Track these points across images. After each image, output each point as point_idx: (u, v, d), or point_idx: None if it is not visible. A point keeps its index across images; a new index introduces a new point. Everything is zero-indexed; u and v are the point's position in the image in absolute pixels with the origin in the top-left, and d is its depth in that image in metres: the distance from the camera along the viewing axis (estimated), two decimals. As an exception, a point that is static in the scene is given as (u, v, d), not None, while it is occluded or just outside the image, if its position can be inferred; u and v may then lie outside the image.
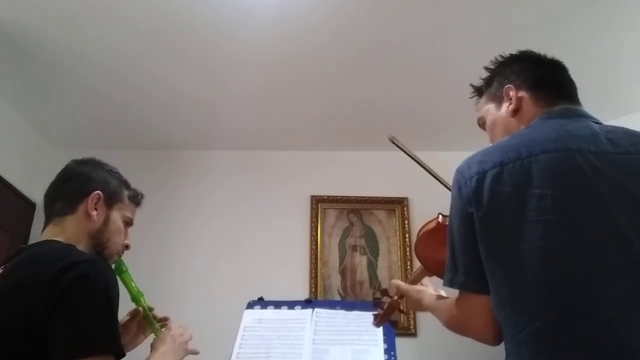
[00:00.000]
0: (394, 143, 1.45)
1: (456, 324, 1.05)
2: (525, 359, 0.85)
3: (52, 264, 1.00)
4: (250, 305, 2.06)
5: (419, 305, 1.28)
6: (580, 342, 0.81)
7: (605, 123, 1.05)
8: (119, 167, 1.38)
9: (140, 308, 1.36)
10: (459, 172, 1.02)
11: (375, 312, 1.45)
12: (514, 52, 1.23)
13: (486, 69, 1.25)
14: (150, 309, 1.37)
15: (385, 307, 1.41)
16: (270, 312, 2.01)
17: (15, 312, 0.98)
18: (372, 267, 2.86)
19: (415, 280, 1.39)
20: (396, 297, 1.38)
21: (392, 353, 1.80)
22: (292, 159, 3.10)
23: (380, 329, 1.84)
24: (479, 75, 1.28)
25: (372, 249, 2.90)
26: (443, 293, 1.27)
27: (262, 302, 2.07)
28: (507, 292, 0.89)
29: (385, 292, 1.42)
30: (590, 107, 1.13)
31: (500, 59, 1.23)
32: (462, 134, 2.65)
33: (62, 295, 0.96)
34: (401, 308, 1.41)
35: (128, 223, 1.32)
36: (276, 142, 3.05)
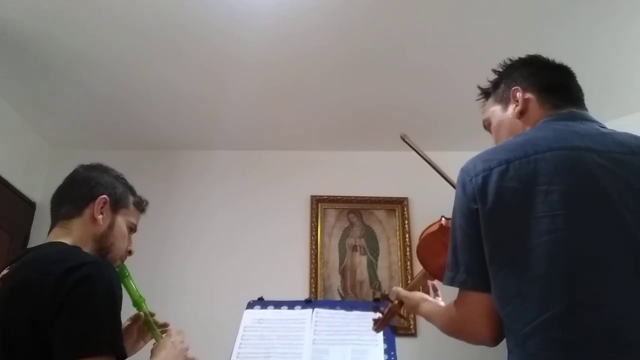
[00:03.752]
0: (405, 141, 1.43)
1: (454, 326, 1.05)
2: (531, 352, 0.85)
3: (58, 265, 1.01)
4: (250, 305, 2.06)
5: (416, 310, 1.29)
6: (587, 335, 0.82)
7: (605, 123, 1.06)
8: (118, 167, 1.39)
9: (142, 313, 1.36)
10: (464, 171, 1.03)
11: (375, 317, 1.43)
12: (513, 53, 1.24)
13: (494, 71, 1.26)
14: (152, 315, 1.37)
15: (385, 312, 1.40)
16: (270, 312, 2.01)
17: (20, 312, 0.99)
18: (372, 267, 2.86)
19: (416, 285, 1.38)
20: (396, 301, 1.37)
21: (392, 353, 1.80)
22: (292, 159, 3.10)
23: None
24: (478, 76, 1.29)
25: (372, 249, 2.90)
26: (441, 303, 1.28)
27: (262, 302, 2.07)
28: (513, 286, 0.90)
29: (385, 297, 1.41)
30: (589, 107, 1.14)
31: (508, 62, 1.24)
32: (462, 134, 2.65)
33: (67, 295, 0.97)
34: (401, 313, 1.41)
35: (132, 229, 1.34)
36: (276, 142, 3.05)
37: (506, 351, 0.94)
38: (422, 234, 1.31)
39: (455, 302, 1.03)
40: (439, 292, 1.39)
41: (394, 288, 1.39)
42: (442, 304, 1.29)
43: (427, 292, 1.38)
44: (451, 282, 1.00)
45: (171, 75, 2.48)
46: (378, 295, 1.45)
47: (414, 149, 1.42)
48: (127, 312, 1.30)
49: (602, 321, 0.82)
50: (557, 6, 2.05)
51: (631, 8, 2.06)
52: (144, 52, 2.32)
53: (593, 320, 0.82)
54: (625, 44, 2.25)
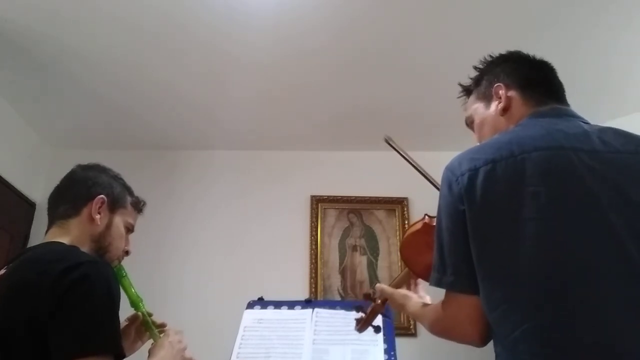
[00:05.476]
0: (389, 144, 1.42)
1: (442, 326, 1.03)
2: (520, 358, 0.84)
3: (55, 265, 1.01)
4: (250, 305, 2.05)
5: (402, 310, 1.27)
6: (574, 341, 0.80)
7: (600, 125, 1.03)
8: (118, 167, 1.39)
9: (139, 313, 1.36)
10: (449, 169, 1.00)
11: (357, 317, 1.40)
12: (503, 52, 1.22)
13: (475, 68, 1.24)
14: (149, 315, 1.37)
15: (368, 311, 1.37)
16: (270, 312, 2.01)
17: (18, 312, 0.99)
18: (372, 267, 2.86)
19: (400, 283, 1.35)
20: (379, 301, 1.34)
21: (392, 353, 1.79)
22: (292, 159, 3.10)
23: (381, 332, 1.83)
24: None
25: (372, 249, 2.90)
26: (428, 300, 1.26)
27: (262, 302, 2.06)
28: (500, 291, 0.88)
29: (367, 296, 1.37)
30: (583, 108, 1.12)
31: (489, 59, 1.22)
32: (462, 134, 2.65)
33: (64, 295, 0.97)
34: (384, 312, 1.37)
35: (129, 229, 1.34)
36: (276, 142, 3.05)
37: None
38: (405, 232, 1.28)
39: (443, 303, 1.01)
40: (420, 285, 1.36)
41: (378, 285, 1.35)
42: (428, 297, 1.27)
43: (409, 286, 1.36)
44: (438, 284, 0.98)
45: (171, 75, 2.48)
46: (369, 291, 1.41)
47: (397, 151, 1.40)
48: (125, 312, 1.29)
49: (592, 329, 0.80)
50: (555, 7, 2.05)
51: (627, 9, 2.05)
52: (144, 52, 2.32)
53: (579, 327, 0.80)
54: (620, 45, 2.24)
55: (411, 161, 1.40)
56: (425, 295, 1.32)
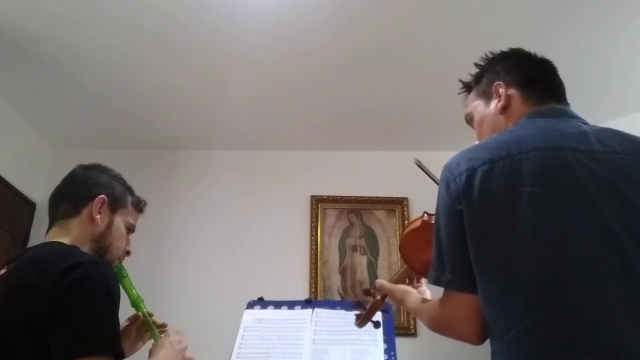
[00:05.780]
0: (420, 167, 1.41)
1: (440, 323, 1.04)
2: (516, 357, 0.84)
3: (55, 265, 1.01)
4: (250, 305, 2.05)
5: (402, 305, 1.27)
6: (569, 342, 0.80)
7: (600, 125, 1.03)
8: (118, 167, 1.39)
9: (140, 313, 1.36)
10: (448, 169, 1.01)
11: (357, 312, 1.41)
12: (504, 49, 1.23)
13: (476, 65, 1.24)
14: (150, 315, 1.37)
15: (367, 307, 1.38)
16: (270, 312, 2.01)
17: (18, 311, 0.99)
18: (372, 267, 2.86)
19: (399, 280, 1.36)
20: (379, 297, 1.35)
21: (392, 353, 1.79)
22: (292, 159, 3.10)
23: (380, 328, 1.83)
24: (477, 76, 1.28)
25: (372, 249, 2.90)
26: (428, 296, 1.26)
27: (262, 302, 2.06)
28: (496, 290, 0.89)
29: (367, 292, 1.38)
30: (583, 108, 1.12)
31: (490, 56, 1.22)
32: (462, 134, 2.65)
33: (64, 295, 0.97)
34: (383, 308, 1.38)
35: (130, 229, 1.34)
36: (276, 142, 3.05)
37: None
38: (404, 229, 1.29)
39: (441, 301, 1.01)
40: (422, 280, 1.36)
41: (378, 280, 1.35)
42: (428, 292, 1.28)
43: (412, 280, 1.36)
44: (436, 282, 0.98)
45: (171, 75, 2.48)
46: (369, 287, 1.41)
47: (428, 175, 1.39)
48: (126, 312, 1.29)
49: (584, 328, 0.80)
50: (556, 7, 2.05)
51: (627, 9, 2.05)
52: (144, 52, 2.32)
53: (575, 327, 0.80)
54: (621, 45, 2.24)
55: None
56: (426, 289, 1.32)
